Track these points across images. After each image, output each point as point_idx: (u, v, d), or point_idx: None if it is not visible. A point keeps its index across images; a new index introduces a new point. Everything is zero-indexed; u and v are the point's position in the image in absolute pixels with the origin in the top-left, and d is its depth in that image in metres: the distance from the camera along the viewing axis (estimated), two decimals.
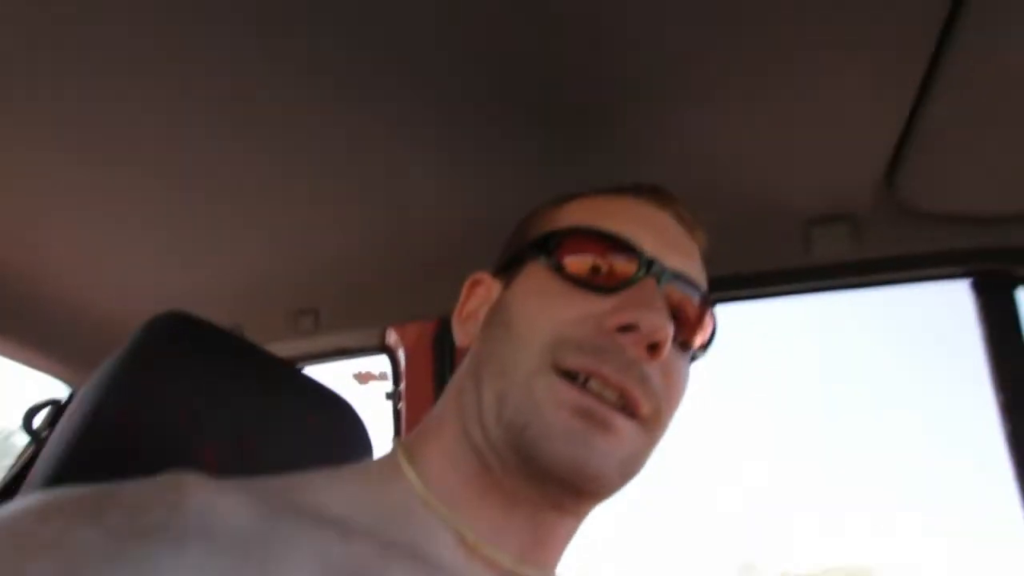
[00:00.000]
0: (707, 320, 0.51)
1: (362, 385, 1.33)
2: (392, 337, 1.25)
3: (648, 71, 0.65)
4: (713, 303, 0.51)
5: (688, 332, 0.49)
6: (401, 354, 1.27)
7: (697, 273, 0.52)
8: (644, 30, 0.60)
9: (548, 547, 0.47)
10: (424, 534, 0.42)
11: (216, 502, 0.36)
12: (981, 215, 0.76)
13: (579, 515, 0.48)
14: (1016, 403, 0.78)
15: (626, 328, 0.44)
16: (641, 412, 0.44)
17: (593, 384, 0.43)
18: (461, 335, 0.55)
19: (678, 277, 0.48)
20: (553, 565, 0.48)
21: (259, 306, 1.16)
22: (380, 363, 1.35)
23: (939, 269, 0.82)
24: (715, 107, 0.70)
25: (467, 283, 0.57)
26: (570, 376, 0.43)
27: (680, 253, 0.50)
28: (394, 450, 0.49)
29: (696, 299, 0.50)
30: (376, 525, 0.41)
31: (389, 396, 1.26)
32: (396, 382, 1.28)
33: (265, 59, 0.66)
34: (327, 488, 0.43)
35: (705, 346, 0.52)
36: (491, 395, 0.45)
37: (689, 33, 0.60)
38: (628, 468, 0.44)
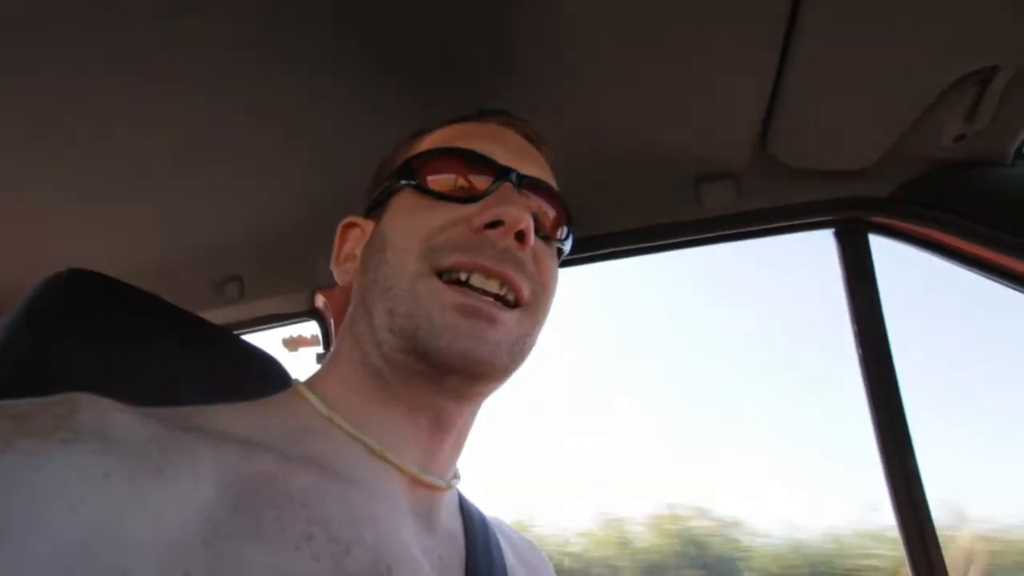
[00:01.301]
0: (561, 213, 0.58)
1: (292, 352, 1.35)
2: (320, 301, 1.27)
3: (549, 32, 0.70)
4: (562, 198, 0.58)
5: (548, 225, 0.57)
6: (331, 317, 1.29)
7: (548, 177, 0.59)
8: None
9: (448, 449, 0.53)
10: (331, 449, 0.46)
11: (111, 415, 0.37)
12: (838, 169, 0.87)
13: (477, 400, 0.54)
14: (867, 333, 0.92)
15: (493, 224, 0.50)
16: (523, 297, 0.50)
17: (475, 279, 0.48)
18: (341, 275, 0.59)
19: (531, 181, 0.55)
20: (450, 470, 0.55)
21: (180, 274, 1.15)
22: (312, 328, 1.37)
23: (808, 219, 0.93)
24: (611, 78, 0.76)
25: (339, 229, 0.60)
26: (451, 277, 0.48)
27: (530, 161, 0.57)
28: (292, 388, 0.52)
29: (550, 197, 0.57)
30: (280, 443, 0.44)
31: (320, 358, 1.29)
32: (327, 345, 1.31)
33: (183, 29, 0.66)
34: (229, 416, 0.45)
35: (565, 237, 0.59)
36: (381, 313, 0.49)
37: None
38: (517, 350, 0.51)
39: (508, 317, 0.49)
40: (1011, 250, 0.77)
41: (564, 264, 0.62)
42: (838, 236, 0.94)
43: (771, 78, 0.74)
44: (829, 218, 0.93)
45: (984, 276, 0.82)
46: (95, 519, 0.32)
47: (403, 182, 0.55)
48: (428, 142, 0.58)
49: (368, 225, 0.58)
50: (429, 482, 0.50)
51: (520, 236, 0.50)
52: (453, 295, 0.47)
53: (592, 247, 0.99)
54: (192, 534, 0.34)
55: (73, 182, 0.91)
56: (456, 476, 0.56)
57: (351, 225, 0.60)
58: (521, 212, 0.49)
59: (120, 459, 0.34)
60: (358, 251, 0.57)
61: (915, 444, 0.87)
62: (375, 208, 0.58)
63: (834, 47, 0.69)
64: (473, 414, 0.56)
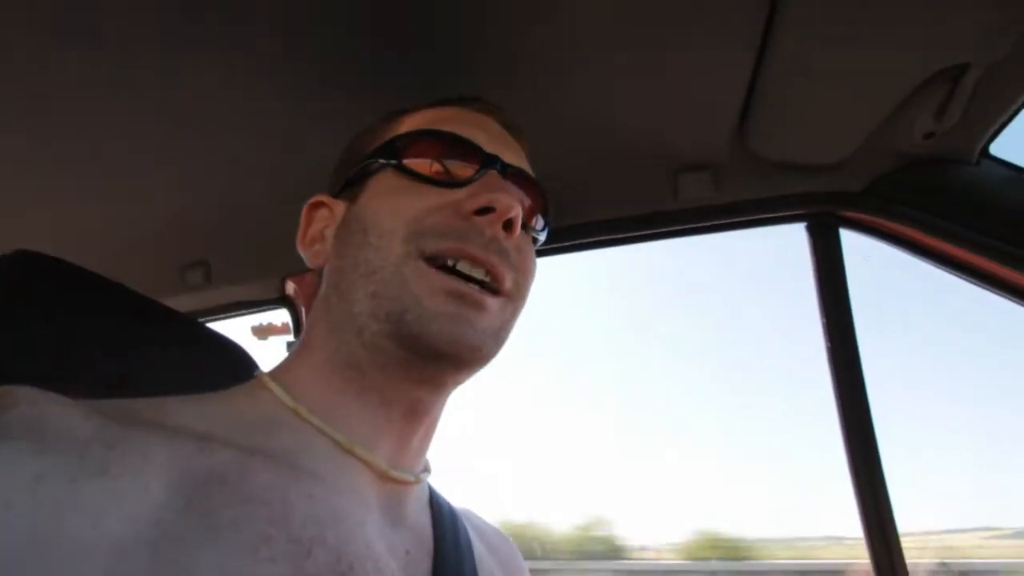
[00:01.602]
0: (539, 203, 0.58)
1: (261, 340, 1.31)
2: (291, 288, 1.24)
3: (527, 22, 0.69)
4: (543, 191, 0.58)
5: (529, 215, 0.56)
6: (302, 305, 1.26)
7: (528, 167, 0.58)
8: None
9: (418, 442, 0.52)
10: (296, 442, 0.44)
11: (50, 409, 0.34)
12: (813, 163, 0.88)
13: (450, 390, 0.53)
14: (836, 327, 0.93)
15: (483, 211, 0.49)
16: (505, 286, 0.49)
17: (462, 266, 0.47)
18: (311, 256, 0.56)
19: (514, 170, 0.55)
20: (419, 463, 0.54)
21: (140, 257, 1.11)
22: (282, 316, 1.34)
23: (782, 212, 0.94)
24: (589, 69, 0.75)
25: (305, 208, 0.58)
26: (437, 263, 0.47)
27: (511, 151, 0.57)
28: (256, 378, 0.50)
29: (529, 187, 0.57)
30: (240, 437, 0.41)
31: (291, 347, 1.26)
32: (298, 333, 1.28)
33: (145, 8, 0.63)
34: (186, 408, 0.43)
35: (542, 228, 0.59)
36: (363, 297, 0.47)
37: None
38: (499, 336, 0.50)
39: (493, 303, 0.48)
40: (975, 247, 0.78)
41: (539, 254, 0.62)
42: (810, 230, 0.95)
43: (749, 71, 0.74)
44: (802, 211, 0.93)
45: (950, 272, 0.84)
46: (25, 526, 0.29)
47: (383, 162, 0.53)
48: (410, 123, 0.56)
49: (338, 205, 0.56)
50: (398, 477, 0.49)
51: (508, 225, 0.49)
52: (443, 280, 0.46)
53: (568, 237, 0.99)
54: (138, 538, 0.32)
55: (21, 155, 0.86)
56: (426, 469, 0.55)
57: (318, 205, 0.58)
58: (512, 200, 0.49)
59: (57, 459, 0.32)
60: (328, 232, 0.55)
61: (878, 437, 0.89)
62: (348, 188, 0.56)
63: (811, 42, 0.69)
64: (443, 406, 0.55)
